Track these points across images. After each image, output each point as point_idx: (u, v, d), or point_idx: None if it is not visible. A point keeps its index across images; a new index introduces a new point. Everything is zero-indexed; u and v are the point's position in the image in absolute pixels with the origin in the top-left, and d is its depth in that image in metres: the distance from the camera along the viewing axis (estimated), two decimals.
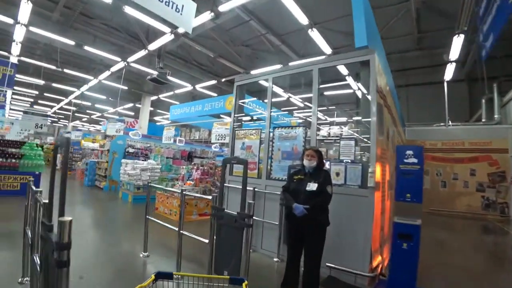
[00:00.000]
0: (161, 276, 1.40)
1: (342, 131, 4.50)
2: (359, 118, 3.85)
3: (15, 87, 18.48)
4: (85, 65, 15.13)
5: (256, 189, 4.12)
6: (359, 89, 4.08)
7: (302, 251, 2.75)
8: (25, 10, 7.62)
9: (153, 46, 9.68)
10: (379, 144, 3.32)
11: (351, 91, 8.09)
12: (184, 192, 3.45)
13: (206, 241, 2.82)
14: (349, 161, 3.46)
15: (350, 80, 6.03)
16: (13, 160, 8.06)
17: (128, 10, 7.36)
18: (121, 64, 12.07)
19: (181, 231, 3.22)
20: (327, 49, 9.33)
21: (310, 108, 3.86)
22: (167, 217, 6.52)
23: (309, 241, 2.66)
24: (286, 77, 4.52)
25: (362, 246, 3.15)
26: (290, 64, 9.96)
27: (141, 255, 3.88)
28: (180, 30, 8.17)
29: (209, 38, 10.60)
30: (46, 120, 10.57)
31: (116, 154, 11.00)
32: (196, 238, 3.13)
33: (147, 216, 3.95)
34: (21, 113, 11.16)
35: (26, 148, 8.53)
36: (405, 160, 2.95)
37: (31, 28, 9.07)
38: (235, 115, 4.90)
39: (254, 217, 4.09)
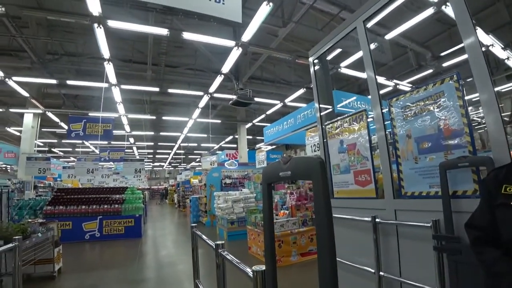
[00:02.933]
0: None
1: None
2: None
3: (136, 142, 21.70)
4: (178, 110, 16.26)
5: (378, 219, 2.25)
6: None
7: None
8: (110, 72, 8.29)
9: (226, 67, 9.02)
10: None
11: None
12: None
13: None
14: None
15: None
16: (116, 205, 8.30)
17: (187, 35, 6.88)
18: (205, 98, 12.04)
19: None
20: None
21: None
22: (262, 260, 5.07)
23: None
24: None
25: None
26: None
27: None
28: (244, 39, 7.14)
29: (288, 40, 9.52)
30: (143, 164, 11.08)
31: (213, 187, 10.53)
32: None
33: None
34: (121, 162, 12.13)
35: (128, 193, 8.76)
36: None
37: (123, 86, 9.98)
38: (320, 105, 3.21)
39: (382, 273, 2.24)
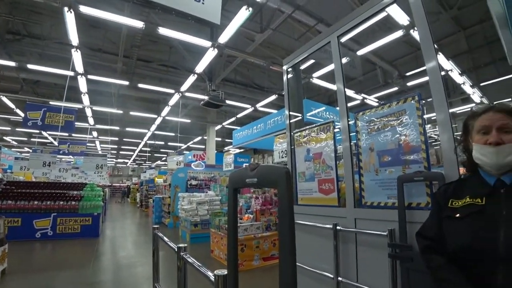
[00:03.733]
0: None
1: None
2: None
3: (100, 137, 20.68)
4: (147, 106, 15.77)
5: (338, 227, 2.34)
6: None
7: None
8: (78, 60, 7.80)
9: (200, 67, 8.91)
10: None
11: None
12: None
13: None
14: None
15: None
16: (73, 202, 7.82)
17: (162, 31, 6.71)
18: (176, 96, 11.78)
19: None
20: None
21: None
22: (224, 264, 5.04)
23: None
24: None
25: None
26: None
27: None
28: (221, 40, 7.12)
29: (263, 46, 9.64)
30: (105, 160, 10.55)
31: (178, 188, 10.28)
32: None
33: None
34: (82, 156, 11.50)
35: (87, 190, 8.30)
36: None
37: (90, 76, 9.47)
38: (290, 112, 3.28)
39: (341, 278, 2.32)
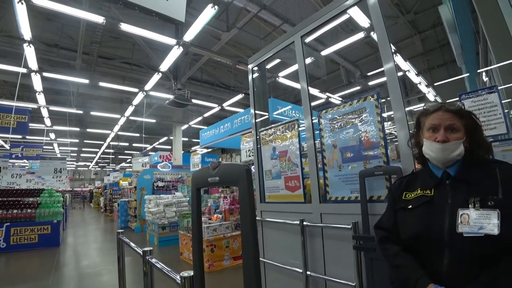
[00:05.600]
0: None
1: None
2: None
3: (58, 139, 19.37)
4: (109, 106, 15.06)
5: (305, 223, 2.40)
6: None
7: None
8: (31, 56, 7.20)
9: (165, 65, 8.66)
10: None
11: None
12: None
13: None
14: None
15: None
16: (29, 210, 7.26)
17: (124, 27, 6.41)
18: (140, 95, 11.35)
19: None
20: None
21: None
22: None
23: None
24: None
25: None
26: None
27: None
28: (186, 38, 6.97)
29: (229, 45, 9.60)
30: (64, 163, 9.91)
31: (144, 191, 9.94)
32: None
33: None
34: (38, 160, 10.71)
35: (44, 196, 7.75)
36: None
37: (45, 74, 8.83)
38: (255, 111, 3.30)
39: (309, 272, 2.38)
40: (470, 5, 3.82)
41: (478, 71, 6.63)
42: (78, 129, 17.08)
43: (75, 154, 28.88)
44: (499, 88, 1.79)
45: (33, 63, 7.77)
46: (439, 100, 10.79)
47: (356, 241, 1.98)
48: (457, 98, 2.03)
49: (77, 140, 21.34)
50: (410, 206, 1.11)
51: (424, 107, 1.20)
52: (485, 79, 6.49)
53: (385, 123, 2.15)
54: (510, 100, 1.97)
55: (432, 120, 1.13)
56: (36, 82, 8.94)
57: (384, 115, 2.11)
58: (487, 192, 0.96)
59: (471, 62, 6.49)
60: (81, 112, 13.53)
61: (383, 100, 2.12)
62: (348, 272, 2.07)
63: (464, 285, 0.87)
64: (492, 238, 0.87)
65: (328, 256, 2.32)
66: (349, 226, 2.04)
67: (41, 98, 10.31)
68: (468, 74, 7.14)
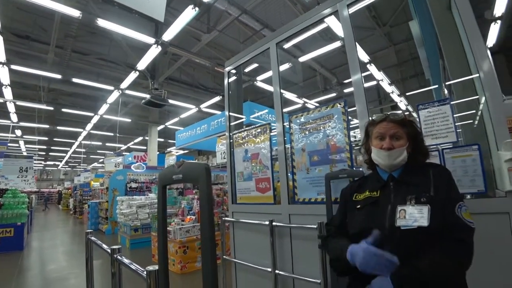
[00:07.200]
0: None
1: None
2: None
3: (25, 136, 18.38)
4: (82, 103, 14.54)
5: (275, 223, 2.47)
6: None
7: None
8: None
9: (142, 64, 8.51)
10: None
11: None
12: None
13: None
14: (450, 144, 1.83)
15: None
16: None
17: (102, 22, 6.26)
18: (116, 94, 11.05)
19: None
20: None
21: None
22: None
23: None
24: None
25: None
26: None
27: None
28: (165, 38, 6.92)
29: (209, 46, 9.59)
30: (31, 162, 9.44)
31: (116, 192, 9.67)
32: None
33: None
34: (1, 158, 10.12)
35: (7, 196, 7.35)
36: None
37: (13, 67, 8.42)
38: (230, 113, 3.36)
39: (278, 271, 2.46)
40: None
41: (443, 84, 7.05)
42: (47, 126, 16.34)
43: (44, 153, 27.53)
44: (452, 103, 1.95)
45: (0, 55, 7.40)
46: (410, 109, 11.35)
47: (321, 240, 2.08)
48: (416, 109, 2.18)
49: (46, 138, 20.40)
50: (358, 206, 1.23)
51: (372, 118, 1.34)
52: (446, 92, 6.92)
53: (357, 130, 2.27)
54: (461, 114, 2.16)
55: (378, 129, 1.26)
56: (3, 74, 8.50)
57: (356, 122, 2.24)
58: (422, 191, 1.10)
59: (436, 76, 6.90)
60: (51, 108, 12.96)
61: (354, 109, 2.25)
62: (314, 270, 2.17)
63: (400, 269, 0.98)
64: (423, 229, 1.01)
65: (296, 255, 2.41)
66: (315, 226, 2.14)
67: (7, 92, 9.81)
68: (436, 86, 7.57)
